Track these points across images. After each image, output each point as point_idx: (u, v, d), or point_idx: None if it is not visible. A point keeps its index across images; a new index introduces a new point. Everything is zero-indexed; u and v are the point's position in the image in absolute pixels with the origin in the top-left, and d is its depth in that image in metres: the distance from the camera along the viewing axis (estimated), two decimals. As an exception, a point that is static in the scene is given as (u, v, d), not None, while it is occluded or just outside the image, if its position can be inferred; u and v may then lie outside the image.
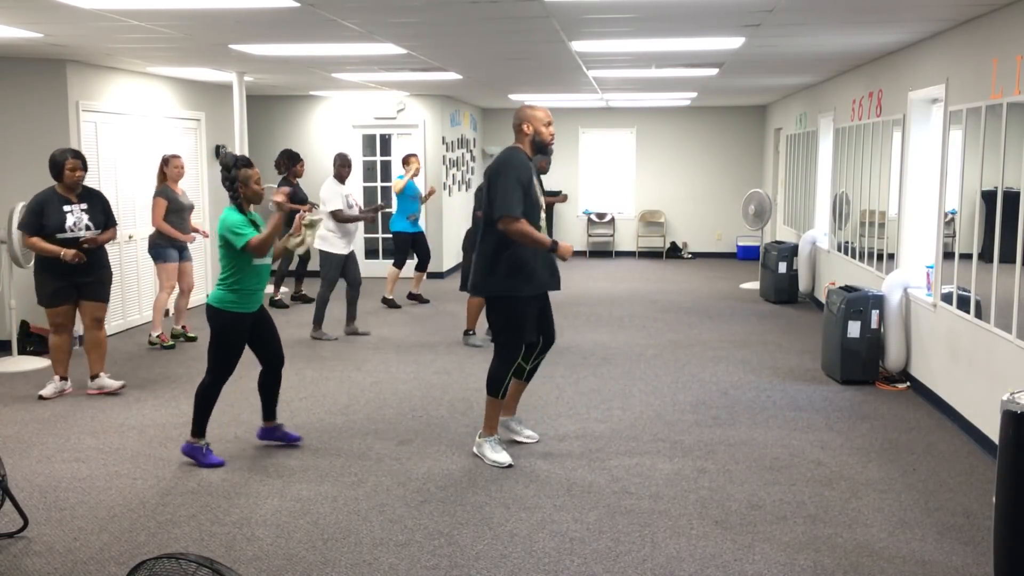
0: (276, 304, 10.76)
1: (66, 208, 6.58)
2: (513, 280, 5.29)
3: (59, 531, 4.42)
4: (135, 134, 9.53)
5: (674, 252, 16.17)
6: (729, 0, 5.44)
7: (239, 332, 5.32)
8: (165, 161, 8.48)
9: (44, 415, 6.38)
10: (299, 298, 11.25)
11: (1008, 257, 5.35)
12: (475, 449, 5.55)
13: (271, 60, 8.45)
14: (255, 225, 5.32)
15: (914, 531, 4.42)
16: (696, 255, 16.17)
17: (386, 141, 13.70)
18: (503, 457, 5.42)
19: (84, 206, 6.66)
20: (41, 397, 6.77)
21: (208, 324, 5.32)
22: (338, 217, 8.82)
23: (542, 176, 10.45)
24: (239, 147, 9.61)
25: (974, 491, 4.95)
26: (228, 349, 5.30)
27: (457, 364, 7.89)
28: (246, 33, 6.79)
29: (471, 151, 15.47)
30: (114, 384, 6.91)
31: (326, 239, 8.87)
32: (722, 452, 5.58)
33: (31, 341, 8.28)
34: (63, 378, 6.87)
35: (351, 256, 9.06)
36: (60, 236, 6.56)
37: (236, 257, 5.21)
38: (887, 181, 7.92)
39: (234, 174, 5.27)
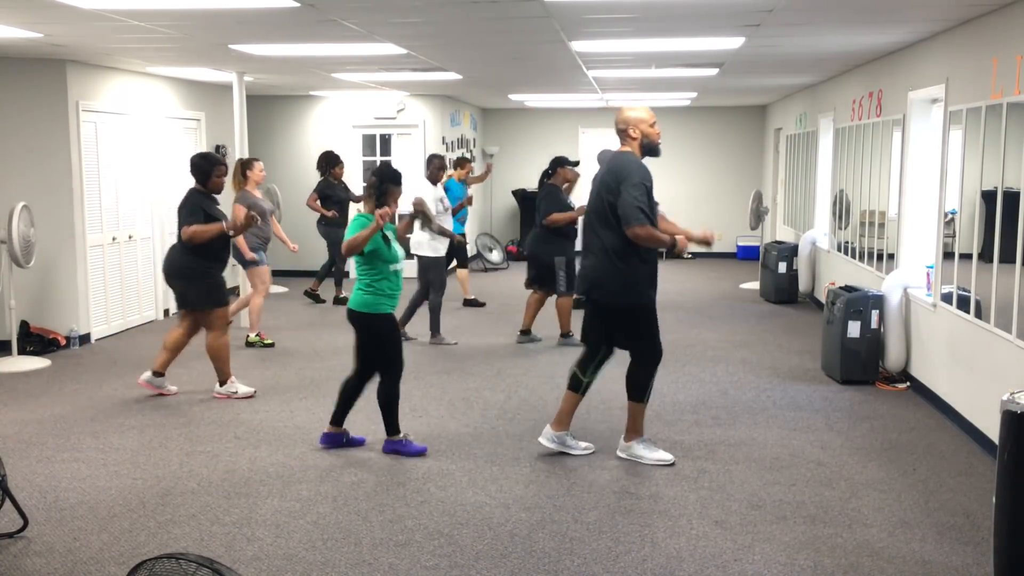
0: (310, 296, 11.01)
1: (219, 208, 6.68)
2: (647, 289, 5.25)
3: (59, 531, 4.42)
4: (135, 134, 9.54)
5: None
6: (729, 0, 5.45)
7: (391, 326, 5.50)
8: (247, 165, 8.29)
9: (44, 415, 6.38)
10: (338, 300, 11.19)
11: (1008, 257, 5.35)
12: (622, 453, 5.46)
13: (271, 60, 8.45)
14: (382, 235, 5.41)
15: (914, 531, 4.42)
16: (696, 255, 16.16)
17: (386, 141, 13.69)
18: (663, 455, 5.38)
19: (220, 206, 6.76)
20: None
21: (357, 330, 5.46)
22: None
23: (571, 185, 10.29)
24: (239, 147, 9.60)
25: (974, 491, 4.94)
26: (391, 345, 5.51)
27: (457, 364, 7.89)
28: (246, 33, 6.80)
29: (471, 151, 15.47)
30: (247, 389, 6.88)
31: (422, 245, 8.55)
32: (722, 452, 5.58)
33: (31, 341, 8.28)
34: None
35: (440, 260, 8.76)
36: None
37: (370, 261, 5.35)
38: (887, 181, 7.92)
39: (385, 187, 5.42)
